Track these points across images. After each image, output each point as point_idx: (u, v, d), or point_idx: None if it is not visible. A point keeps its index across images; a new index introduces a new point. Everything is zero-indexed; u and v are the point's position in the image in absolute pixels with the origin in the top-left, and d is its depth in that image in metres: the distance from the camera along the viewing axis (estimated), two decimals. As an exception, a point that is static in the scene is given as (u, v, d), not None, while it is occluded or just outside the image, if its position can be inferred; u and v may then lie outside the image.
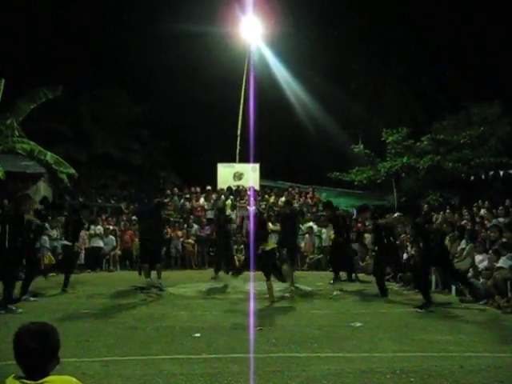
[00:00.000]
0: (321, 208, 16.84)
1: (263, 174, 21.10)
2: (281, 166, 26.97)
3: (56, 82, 18.20)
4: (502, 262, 8.93)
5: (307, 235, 15.99)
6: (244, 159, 22.01)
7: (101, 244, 15.44)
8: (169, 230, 15.75)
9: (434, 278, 10.79)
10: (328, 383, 4.41)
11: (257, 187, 19.41)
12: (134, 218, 15.64)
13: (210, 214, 17.15)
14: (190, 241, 15.98)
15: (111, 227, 16.08)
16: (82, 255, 14.91)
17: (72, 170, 17.77)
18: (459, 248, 10.74)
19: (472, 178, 18.90)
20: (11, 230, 8.23)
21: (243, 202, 17.66)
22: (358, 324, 6.98)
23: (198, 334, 6.29)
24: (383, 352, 5.49)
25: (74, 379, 2.43)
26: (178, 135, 27.20)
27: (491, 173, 18.47)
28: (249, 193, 18.21)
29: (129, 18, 26.07)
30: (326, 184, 23.38)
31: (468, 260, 10.09)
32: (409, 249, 12.39)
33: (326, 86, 26.01)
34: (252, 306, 8.55)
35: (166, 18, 24.37)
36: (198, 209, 17.63)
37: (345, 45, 26.88)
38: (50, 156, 17.12)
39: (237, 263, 12.81)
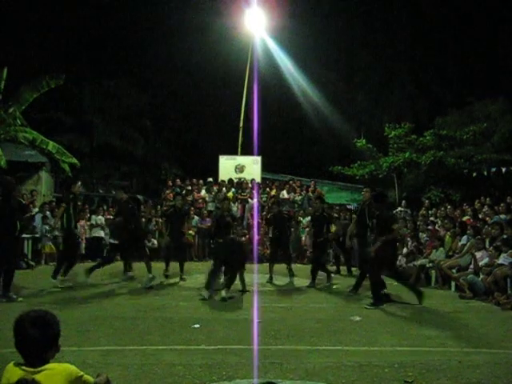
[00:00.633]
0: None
1: (264, 167, 21.09)
2: (282, 159, 26.97)
3: (59, 71, 18.17)
4: (502, 259, 8.93)
5: (307, 229, 15.95)
6: (246, 152, 22.00)
7: (102, 234, 15.49)
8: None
9: (433, 273, 10.82)
10: (327, 376, 4.42)
11: (258, 180, 19.42)
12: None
13: (210, 206, 17.16)
14: (190, 232, 15.99)
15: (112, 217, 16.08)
16: (83, 245, 14.97)
17: (74, 160, 17.77)
18: (460, 244, 10.75)
19: (474, 174, 18.87)
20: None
21: (245, 194, 17.67)
22: (358, 318, 6.99)
23: (197, 325, 6.30)
24: (382, 346, 5.50)
25: (73, 367, 2.45)
26: (180, 127, 27.25)
27: (493, 169, 18.44)
28: (250, 185, 18.25)
29: (134, 9, 26.03)
30: (327, 178, 23.37)
31: (468, 256, 10.08)
32: (409, 244, 12.42)
33: (329, 78, 25.97)
34: (252, 298, 8.57)
35: (171, 10, 24.33)
36: (199, 201, 17.62)
37: (349, 38, 26.80)
38: (52, 145, 17.12)
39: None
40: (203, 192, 18.15)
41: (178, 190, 18.46)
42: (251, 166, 20.44)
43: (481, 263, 9.48)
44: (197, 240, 16.11)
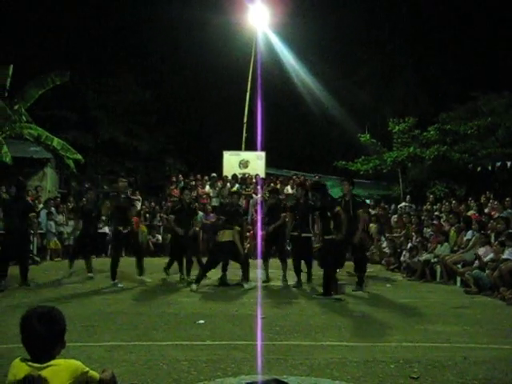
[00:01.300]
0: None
1: (268, 162, 21.07)
2: (286, 154, 26.93)
3: (64, 68, 18.18)
4: (507, 254, 8.90)
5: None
6: (250, 147, 21.97)
7: (106, 230, 15.50)
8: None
9: (438, 268, 10.80)
10: (331, 372, 4.42)
11: (262, 175, 19.40)
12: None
13: (215, 202, 17.16)
14: (195, 228, 15.96)
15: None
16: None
17: (79, 156, 17.81)
18: (465, 239, 10.72)
19: (479, 168, 18.79)
20: None
21: (249, 190, 17.65)
22: (362, 314, 6.99)
23: (202, 321, 6.31)
24: (387, 342, 5.50)
25: (79, 363, 2.46)
26: (184, 122, 27.22)
27: (498, 164, 18.35)
28: (254, 181, 18.23)
29: (137, 4, 25.98)
30: (331, 173, 23.32)
31: (473, 251, 10.06)
32: (414, 239, 12.41)
33: (333, 73, 25.89)
34: (256, 294, 8.59)
35: (174, 5, 24.26)
36: (204, 196, 17.63)
37: (352, 33, 26.69)
38: (56, 142, 17.16)
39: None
40: (207, 187, 18.15)
41: (183, 184, 18.50)
42: (255, 162, 20.42)
43: (486, 258, 9.45)
44: (201, 235, 16.10)
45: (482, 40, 24.53)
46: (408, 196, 17.93)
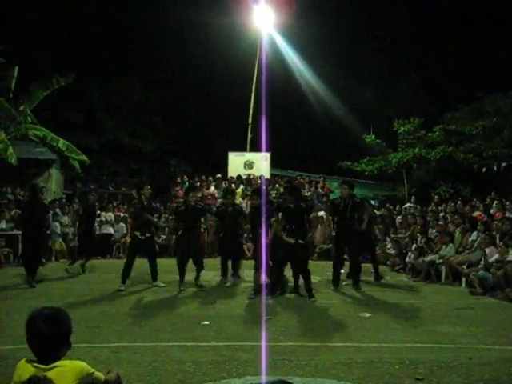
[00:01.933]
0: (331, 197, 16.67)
1: (273, 163, 21.05)
2: (291, 155, 26.90)
3: (69, 69, 18.26)
4: (512, 255, 8.87)
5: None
6: (255, 148, 21.97)
7: (111, 231, 15.55)
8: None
9: (443, 269, 10.77)
10: (337, 372, 4.42)
11: (267, 176, 19.38)
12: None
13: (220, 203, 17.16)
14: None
15: (122, 214, 16.17)
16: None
17: (84, 157, 17.87)
18: (470, 240, 10.68)
19: (484, 169, 18.75)
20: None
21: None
22: (367, 314, 6.97)
23: (207, 322, 6.32)
24: (392, 342, 5.49)
25: (84, 364, 2.46)
26: (189, 123, 27.24)
27: (503, 164, 18.30)
28: (259, 182, 18.20)
29: (141, 7, 26.01)
30: (336, 174, 23.29)
31: (479, 252, 10.02)
32: (419, 239, 12.37)
33: (337, 74, 25.87)
34: (261, 295, 8.57)
35: (179, 7, 24.28)
36: (209, 197, 17.63)
37: (356, 34, 26.68)
38: (62, 143, 17.23)
39: (246, 252, 12.86)
40: (212, 188, 18.16)
41: (187, 185, 18.50)
42: (260, 163, 20.40)
43: (491, 259, 9.41)
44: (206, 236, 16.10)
45: (482, 40, 24.43)
46: (413, 197, 17.90)
